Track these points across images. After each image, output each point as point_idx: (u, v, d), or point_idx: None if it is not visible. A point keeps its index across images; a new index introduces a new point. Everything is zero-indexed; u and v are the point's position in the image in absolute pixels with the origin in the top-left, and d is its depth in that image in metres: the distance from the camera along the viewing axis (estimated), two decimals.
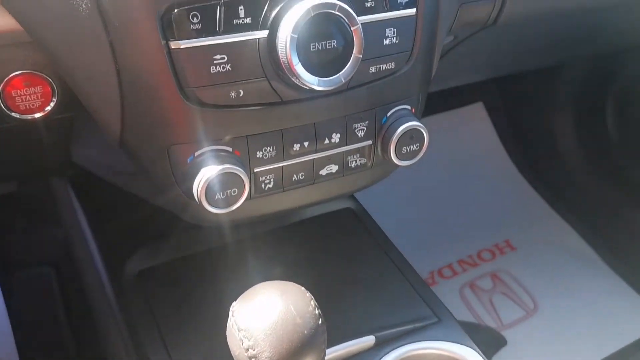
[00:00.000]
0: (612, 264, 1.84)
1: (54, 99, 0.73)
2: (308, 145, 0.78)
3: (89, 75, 0.70)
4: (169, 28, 0.66)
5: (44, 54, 0.69)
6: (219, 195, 0.70)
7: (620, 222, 1.91)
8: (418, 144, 0.84)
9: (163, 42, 0.65)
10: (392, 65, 0.79)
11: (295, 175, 0.79)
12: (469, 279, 1.82)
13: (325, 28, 0.70)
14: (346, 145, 0.81)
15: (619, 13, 1.29)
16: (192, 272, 0.99)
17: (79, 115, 0.79)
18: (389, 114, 0.82)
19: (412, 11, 0.78)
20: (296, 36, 0.68)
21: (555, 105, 2.09)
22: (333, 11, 0.70)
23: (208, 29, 0.66)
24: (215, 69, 0.68)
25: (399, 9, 0.77)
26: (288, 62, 0.68)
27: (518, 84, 2.16)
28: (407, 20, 0.78)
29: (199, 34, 0.66)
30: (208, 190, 0.69)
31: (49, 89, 0.73)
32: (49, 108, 0.74)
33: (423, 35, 0.80)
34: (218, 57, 0.67)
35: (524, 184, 2.15)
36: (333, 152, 0.80)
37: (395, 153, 0.82)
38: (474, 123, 2.25)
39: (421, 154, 0.85)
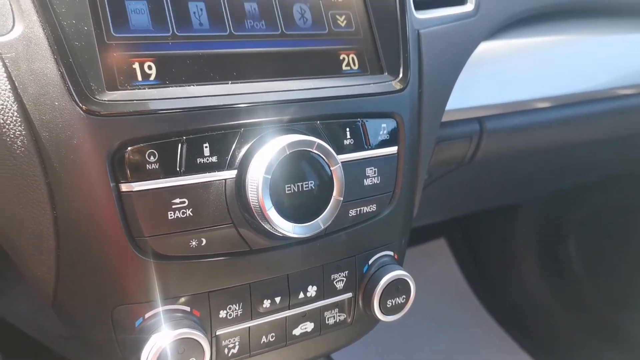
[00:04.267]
0: None
1: None
2: (280, 300, 0.68)
3: (19, 222, 0.58)
4: (120, 168, 0.57)
5: None
6: None
7: None
8: (404, 296, 0.75)
9: (112, 184, 0.57)
10: (374, 207, 0.72)
11: (264, 337, 0.70)
12: None
13: (301, 168, 0.62)
14: (324, 299, 0.72)
15: (591, 148, 1.29)
16: None
17: (5, 264, 0.67)
18: (370, 262, 0.75)
19: (393, 149, 0.73)
20: (269, 177, 0.60)
21: (518, 242, 2.06)
22: (311, 149, 0.62)
23: (167, 169, 0.59)
24: (174, 214, 0.59)
25: (380, 147, 0.71)
26: (260, 207, 0.60)
27: (479, 220, 2.15)
28: (388, 159, 0.73)
29: (156, 175, 0.58)
30: None
31: None
32: None
33: (405, 175, 0.75)
34: (177, 201, 0.59)
35: (497, 329, 2.04)
36: (308, 308, 0.72)
37: (380, 307, 0.74)
38: (438, 261, 2.20)
39: (407, 307, 0.76)
